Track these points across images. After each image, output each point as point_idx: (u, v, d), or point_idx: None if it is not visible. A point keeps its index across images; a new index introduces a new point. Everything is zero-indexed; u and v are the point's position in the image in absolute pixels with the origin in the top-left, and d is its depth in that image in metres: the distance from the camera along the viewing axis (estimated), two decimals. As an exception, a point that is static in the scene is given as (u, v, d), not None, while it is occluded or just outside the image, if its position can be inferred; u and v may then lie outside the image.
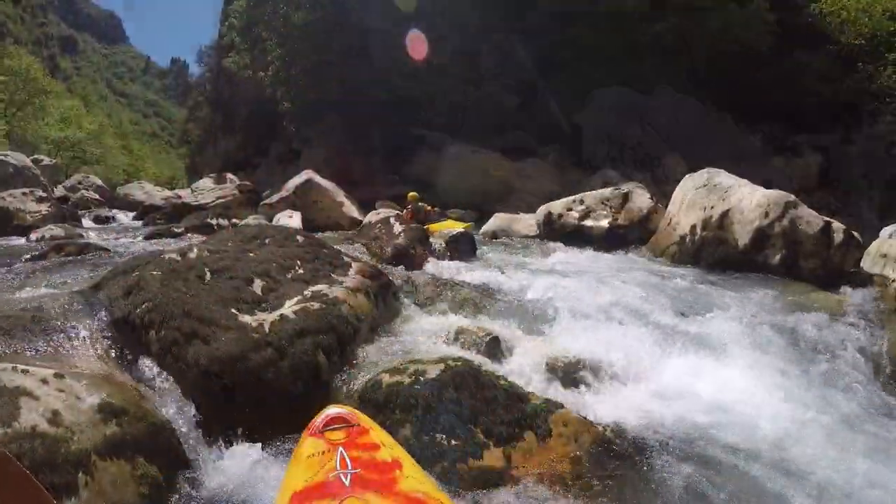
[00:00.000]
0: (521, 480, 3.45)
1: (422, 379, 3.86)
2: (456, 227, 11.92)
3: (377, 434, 2.91)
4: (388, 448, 2.82)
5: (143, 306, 4.23)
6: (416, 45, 18.92)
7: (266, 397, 3.86)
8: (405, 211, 13.44)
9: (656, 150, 19.62)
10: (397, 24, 19.37)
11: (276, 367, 3.93)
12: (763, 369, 5.33)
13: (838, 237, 9.23)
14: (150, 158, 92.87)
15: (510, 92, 19.83)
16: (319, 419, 2.95)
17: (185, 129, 54.15)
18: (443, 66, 19.35)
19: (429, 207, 14.07)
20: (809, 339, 6.18)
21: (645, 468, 3.73)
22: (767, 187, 9.87)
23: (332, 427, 2.89)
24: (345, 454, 2.67)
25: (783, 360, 5.62)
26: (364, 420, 3.00)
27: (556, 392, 4.51)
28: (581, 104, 19.41)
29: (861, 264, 9.30)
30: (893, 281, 7.21)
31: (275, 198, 14.43)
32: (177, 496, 3.25)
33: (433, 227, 12.09)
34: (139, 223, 17.50)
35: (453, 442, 3.56)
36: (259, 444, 3.68)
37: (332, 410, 3.01)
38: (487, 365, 4.48)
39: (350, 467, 2.59)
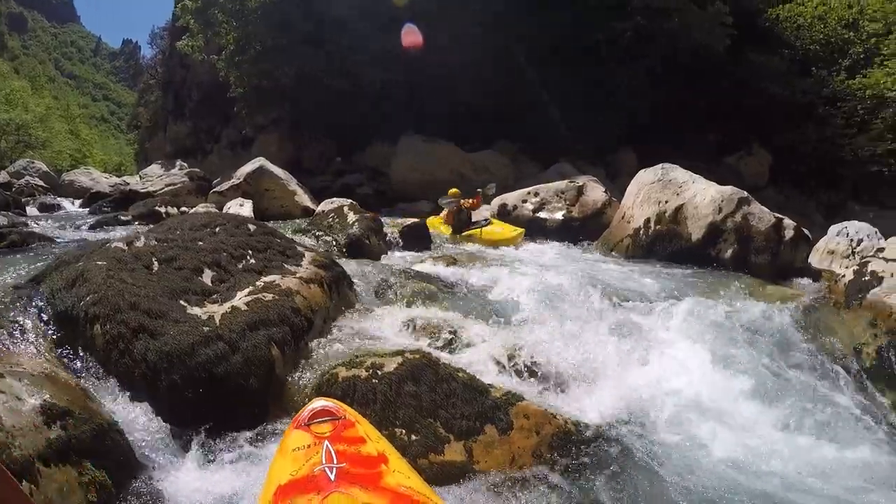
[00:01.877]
0: (482, 474, 3.43)
1: (379, 373, 3.79)
2: (507, 235, 10.92)
3: (363, 427, 2.90)
4: (374, 442, 2.81)
5: (88, 299, 4.05)
6: (410, 36, 18.65)
7: (219, 394, 3.72)
8: (445, 212, 12.19)
9: (611, 146, 19.83)
10: (364, 14, 19.13)
11: (228, 361, 3.79)
12: (715, 360, 5.42)
13: (789, 233, 9.45)
14: (98, 144, 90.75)
15: (467, 83, 19.73)
16: (305, 412, 2.93)
17: (135, 114, 52.98)
18: (400, 56, 19.16)
19: (471, 202, 11.95)
20: (759, 330, 6.30)
21: (607, 459, 3.76)
22: (720, 184, 10.06)
23: (318, 420, 2.87)
24: (330, 448, 2.64)
25: (735, 351, 5.70)
26: (350, 413, 2.99)
27: (516, 384, 4.49)
28: (537, 98, 19.43)
29: (809, 260, 9.56)
30: (841, 277, 7.36)
31: (226, 185, 14.15)
32: (125, 500, 3.10)
33: (485, 233, 11.01)
34: (85, 211, 17.06)
35: (413, 437, 3.51)
36: (213, 444, 3.55)
37: (319, 403, 2.99)
38: (445, 357, 4.43)
39: (335, 461, 2.56)
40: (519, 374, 4.69)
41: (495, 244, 10.35)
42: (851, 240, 9.68)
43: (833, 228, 10.48)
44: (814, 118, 19.90)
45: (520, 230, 11.04)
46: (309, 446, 2.70)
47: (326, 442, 2.69)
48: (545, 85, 19.34)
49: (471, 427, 3.60)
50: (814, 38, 19.88)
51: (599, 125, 19.73)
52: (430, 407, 3.65)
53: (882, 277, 6.79)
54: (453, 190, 12.08)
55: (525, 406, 3.86)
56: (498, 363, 4.72)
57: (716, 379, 5.13)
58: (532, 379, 4.66)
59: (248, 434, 3.63)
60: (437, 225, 11.92)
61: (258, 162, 14.61)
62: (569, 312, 6.07)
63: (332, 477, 2.47)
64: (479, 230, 11.12)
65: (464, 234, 11.16)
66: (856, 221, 10.84)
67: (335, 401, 3.11)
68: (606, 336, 5.65)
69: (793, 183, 20.70)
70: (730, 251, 9.27)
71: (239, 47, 20.67)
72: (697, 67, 19.76)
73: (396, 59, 19.23)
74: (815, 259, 9.78)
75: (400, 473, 2.60)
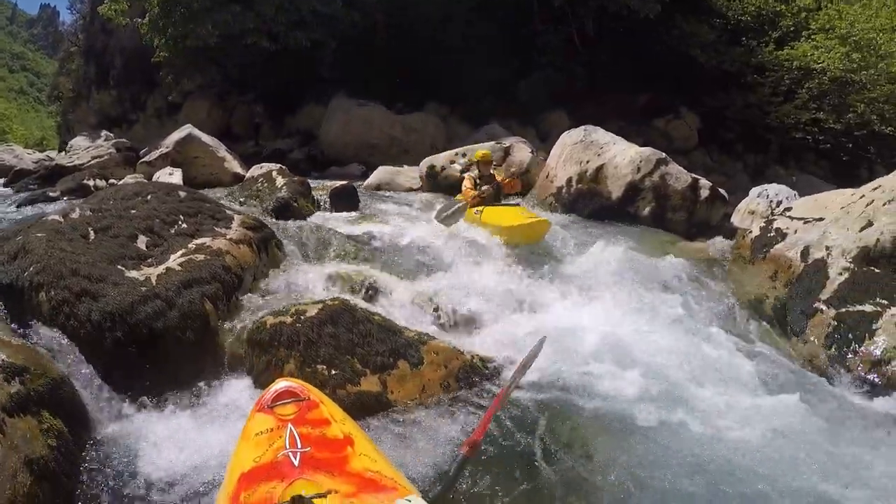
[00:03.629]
0: (396, 403, 3.93)
1: (302, 318, 4.24)
2: (515, 222, 8.01)
3: (328, 408, 2.81)
4: (340, 423, 2.72)
5: (31, 269, 4.31)
6: None
7: (159, 347, 4.05)
8: (467, 177, 9.63)
9: (542, 107, 20.25)
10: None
11: (166, 317, 4.11)
12: (624, 306, 5.97)
13: (704, 193, 10.14)
14: (17, 118, 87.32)
15: (400, 44, 19.79)
16: (268, 394, 2.84)
17: (55, 84, 51.03)
18: (332, 15, 19.00)
19: (507, 180, 9.63)
20: (670, 280, 6.90)
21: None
22: (649, 147, 10.67)
23: (281, 402, 2.78)
24: (294, 431, 2.57)
25: (643, 297, 6.27)
26: (314, 393, 2.90)
27: (429, 327, 5.02)
28: (466, 59, 19.61)
29: (732, 220, 10.27)
30: (750, 233, 7.96)
31: (154, 155, 14.02)
32: (83, 448, 3.42)
33: (494, 215, 8.41)
34: (9, 191, 16.72)
35: (333, 371, 3.97)
36: (157, 394, 3.88)
37: (282, 384, 2.89)
38: (363, 304, 4.91)
39: (300, 445, 2.49)
40: (433, 317, 5.25)
41: (508, 234, 7.81)
42: (771, 201, 10.35)
43: (754, 190, 11.22)
44: (742, 86, 20.58)
45: (538, 218, 8.16)
46: (272, 430, 2.62)
47: (290, 425, 2.62)
48: (475, 45, 19.53)
49: (385, 362, 4.11)
50: (746, 10, 20.48)
51: (530, 86, 20.11)
52: (348, 346, 4.13)
53: (786, 234, 7.38)
54: (483, 152, 9.92)
55: (435, 344, 4.38)
56: (413, 308, 5.29)
57: (625, 324, 5.59)
58: (445, 322, 5.20)
59: (188, 382, 3.99)
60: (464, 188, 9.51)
61: (186, 129, 14.53)
62: (483, 262, 6.57)
63: (297, 462, 2.39)
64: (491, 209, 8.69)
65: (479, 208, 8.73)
66: (776, 184, 11.63)
67: (299, 381, 3.03)
68: (518, 282, 6.24)
69: (720, 146, 21.49)
70: (648, 209, 9.91)
71: (164, 10, 20.21)
72: (629, 32, 20.15)
73: (327, 19, 19.13)
74: (737, 218, 10.47)
75: (366, 457, 2.52)
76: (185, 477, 3.21)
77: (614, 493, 3.28)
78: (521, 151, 12.74)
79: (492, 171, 9.58)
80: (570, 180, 10.69)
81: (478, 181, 9.36)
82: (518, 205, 9.31)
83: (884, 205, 6.44)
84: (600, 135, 11.14)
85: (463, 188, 9.44)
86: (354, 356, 4.09)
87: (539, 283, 6.38)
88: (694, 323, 5.92)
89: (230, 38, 19.09)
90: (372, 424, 3.72)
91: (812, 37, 19.50)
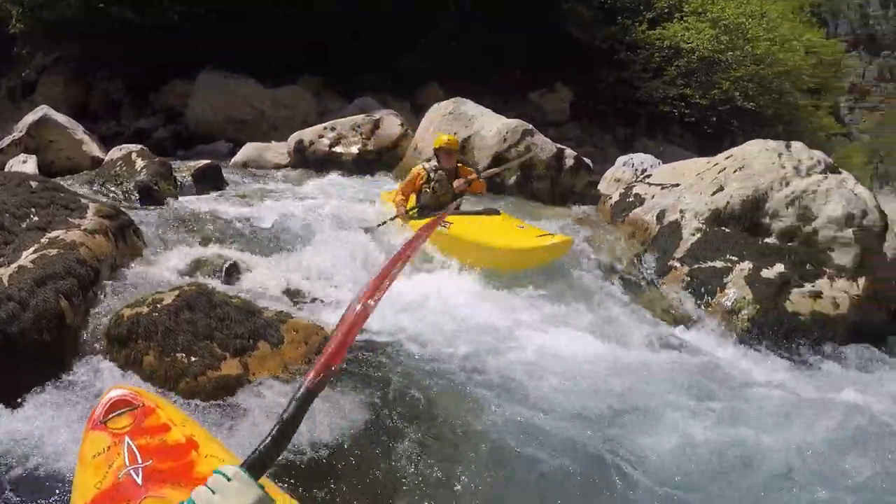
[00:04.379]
0: (258, 383, 3.89)
1: (159, 306, 4.10)
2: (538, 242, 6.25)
3: (166, 412, 2.57)
4: (180, 426, 2.50)
5: None
6: None
7: (15, 352, 3.82)
8: (415, 172, 7.58)
9: (418, 81, 20.20)
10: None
11: (20, 319, 3.88)
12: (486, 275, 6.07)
13: (569, 162, 10.57)
14: None
15: (274, 16, 19.17)
16: (99, 407, 2.55)
17: None
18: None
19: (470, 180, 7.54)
20: None
21: (372, 362, 4.34)
22: (521, 120, 10.93)
23: (114, 413, 2.51)
24: (132, 445, 2.35)
25: None
26: (149, 398, 2.66)
27: (290, 306, 4.99)
28: (341, 31, 19.27)
29: (599, 187, 10.72)
30: (610, 198, 8.38)
31: (6, 141, 13.05)
32: None
33: (477, 231, 6.67)
34: None
35: (193, 358, 3.87)
36: (16, 398, 3.67)
37: (113, 393, 2.61)
38: (223, 288, 4.87)
39: (140, 460, 2.27)
40: (295, 295, 5.24)
41: (511, 259, 6.27)
42: (636, 169, 10.82)
43: (620, 159, 11.76)
44: (614, 62, 21.34)
45: (560, 237, 6.34)
46: (109, 448, 2.38)
47: (127, 438, 2.39)
48: (349, 17, 19.23)
49: (245, 344, 4.06)
50: (624, -10, 21.43)
51: (407, 59, 20.02)
52: (206, 331, 4.03)
53: (644, 199, 7.90)
54: (446, 137, 7.75)
55: (295, 322, 4.38)
56: (275, 287, 5.27)
57: (489, 288, 5.83)
58: (308, 301, 5.20)
59: (46, 386, 3.78)
60: (391, 200, 7.85)
61: (41, 111, 13.58)
62: (346, 237, 6.59)
63: (140, 480, 2.18)
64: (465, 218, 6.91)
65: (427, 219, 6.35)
66: (642, 153, 12.20)
67: (131, 387, 2.77)
68: (380, 254, 6.28)
69: (592, 119, 22.23)
70: (514, 178, 10.19)
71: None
72: (506, 11, 20.44)
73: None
74: (604, 186, 10.95)
75: (213, 457, 2.34)
76: (40, 483, 3.09)
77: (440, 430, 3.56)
78: (391, 124, 12.66)
79: (458, 165, 7.63)
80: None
81: (431, 178, 7.34)
82: (497, 211, 7.26)
83: (734, 171, 6.94)
84: (469, 107, 11.31)
85: (398, 189, 7.62)
86: (213, 341, 4.01)
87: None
88: (553, 280, 6.18)
89: (91, 7, 18.02)
90: (233, 408, 3.69)
91: (684, 18, 20.76)
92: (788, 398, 4.43)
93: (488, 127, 10.67)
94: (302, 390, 1.54)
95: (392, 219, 7.28)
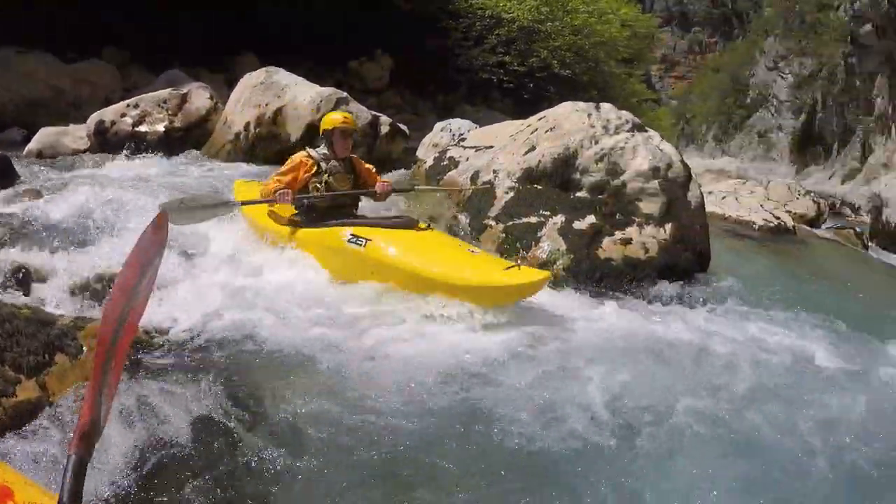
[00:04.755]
0: (59, 404, 3.37)
1: (-71, 333, 3.49)
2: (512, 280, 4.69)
3: None
4: None
5: None
6: None
7: None
8: (296, 160, 5.78)
9: (232, 51, 19.26)
10: None
11: None
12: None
13: (385, 129, 10.44)
14: None
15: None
16: None
17: None
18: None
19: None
20: None
21: (189, 354, 4.04)
22: (339, 87, 10.60)
23: None
24: None
25: None
26: None
27: (93, 309, 4.46)
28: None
29: (418, 153, 10.65)
30: (425, 162, 8.32)
31: None
32: None
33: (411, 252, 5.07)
34: None
35: (-19, 389, 3.32)
36: None
37: None
38: (10, 298, 4.23)
39: None
40: (98, 295, 4.66)
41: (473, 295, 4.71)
42: (454, 134, 10.76)
43: (438, 125, 11.72)
44: (436, 30, 21.46)
45: (536, 276, 4.75)
46: None
47: None
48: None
49: (40, 361, 3.51)
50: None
51: (219, 29, 18.98)
52: (-5, 351, 3.47)
53: (459, 162, 7.96)
54: (340, 115, 6.07)
55: (93, 327, 3.86)
56: (72, 292, 4.66)
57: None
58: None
59: None
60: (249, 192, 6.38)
61: None
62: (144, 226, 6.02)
63: None
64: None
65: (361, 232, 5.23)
66: (459, 119, 12.24)
67: None
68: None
69: (412, 86, 22.27)
70: (329, 147, 9.89)
71: None
72: None
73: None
74: (422, 152, 10.87)
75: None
76: None
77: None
78: (200, 98, 11.88)
79: (352, 155, 6.02)
80: (248, 125, 10.40)
81: (322, 170, 5.68)
82: (417, 222, 5.48)
83: (546, 132, 7.08)
84: (282, 76, 10.89)
85: (270, 179, 5.79)
86: (4, 362, 3.46)
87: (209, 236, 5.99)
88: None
89: None
90: (38, 437, 3.15)
91: (505, -12, 21.17)
92: (605, 333, 4.78)
93: (301, 96, 10.31)
94: (72, 461, 1.26)
95: (263, 202, 5.68)
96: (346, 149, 5.83)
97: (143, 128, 11.23)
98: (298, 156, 5.75)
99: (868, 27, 26.83)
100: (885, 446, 3.59)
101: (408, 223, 5.36)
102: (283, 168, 5.70)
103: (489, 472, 3.18)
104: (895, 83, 26.33)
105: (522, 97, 21.95)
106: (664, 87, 67.80)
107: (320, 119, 9.62)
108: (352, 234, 5.11)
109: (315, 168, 5.63)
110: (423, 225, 5.38)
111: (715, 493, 3.08)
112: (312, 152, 5.77)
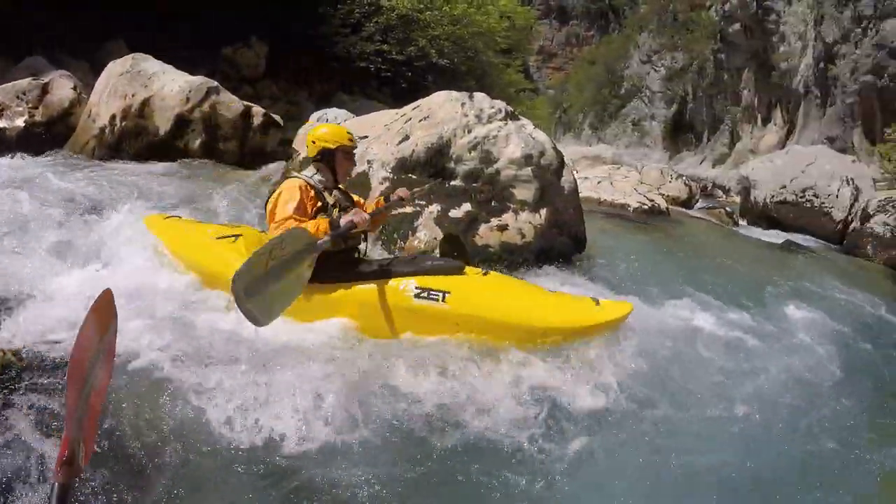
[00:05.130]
0: None
1: None
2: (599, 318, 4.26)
3: None
4: None
5: None
6: None
7: None
8: (294, 187, 4.42)
9: (99, 36, 18.10)
10: None
11: None
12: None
13: (258, 120, 10.12)
14: None
15: None
16: None
17: None
18: None
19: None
20: (220, 212, 6.57)
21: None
22: (212, 77, 10.15)
23: None
24: None
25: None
26: None
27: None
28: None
29: (294, 145, 10.33)
30: (298, 155, 8.14)
31: None
32: None
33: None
34: None
35: None
36: None
37: None
38: None
39: None
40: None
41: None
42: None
43: (314, 115, 11.58)
44: (313, 16, 20.94)
45: (622, 310, 4.29)
46: None
47: None
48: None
49: None
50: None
51: (83, 10, 17.75)
52: None
53: None
54: (346, 130, 4.81)
55: None
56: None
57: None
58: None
59: None
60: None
61: None
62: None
63: None
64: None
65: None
66: (336, 108, 12.04)
67: None
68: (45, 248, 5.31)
69: (288, 74, 21.70)
70: (198, 141, 9.53)
71: None
72: None
73: None
74: (299, 143, 10.48)
75: None
76: None
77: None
78: (63, 88, 11.13)
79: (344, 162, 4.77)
80: (114, 118, 9.77)
81: (326, 200, 4.50)
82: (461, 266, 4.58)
83: (420, 121, 7.06)
84: (150, 64, 10.33)
85: (276, 210, 4.34)
86: None
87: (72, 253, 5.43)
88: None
89: None
90: None
91: (386, -24, 21.01)
92: None
93: (170, 86, 9.83)
94: (55, 489, 1.42)
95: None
96: (349, 173, 4.94)
97: (1, 123, 10.33)
98: (294, 183, 4.44)
99: (737, 26, 28.64)
100: (772, 402, 4.02)
101: (459, 266, 4.55)
102: (286, 200, 4.32)
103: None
104: (760, 77, 28.18)
105: (400, 86, 21.89)
106: (542, 77, 69.41)
107: (190, 110, 9.40)
108: (418, 287, 4.26)
109: (319, 201, 4.46)
110: (478, 269, 4.64)
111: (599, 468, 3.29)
112: (309, 178, 4.53)
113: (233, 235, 4.94)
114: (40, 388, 3.41)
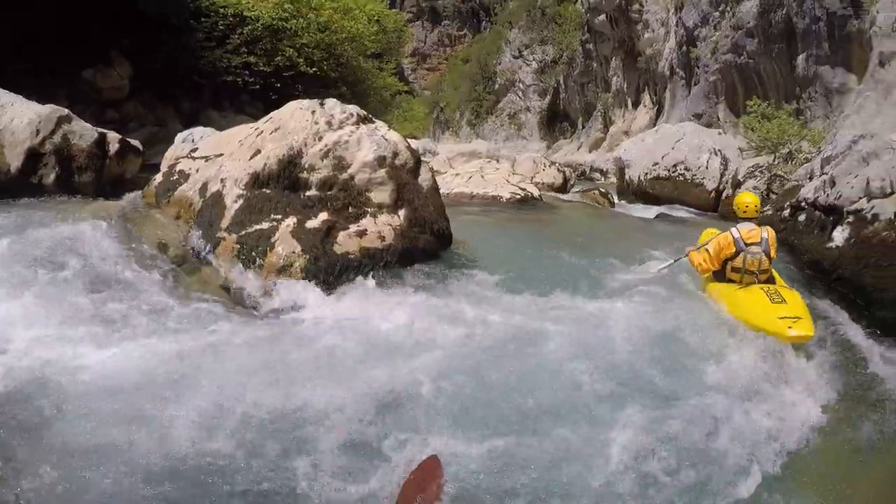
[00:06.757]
0: None
1: None
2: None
3: None
4: None
5: None
6: None
7: None
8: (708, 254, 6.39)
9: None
10: None
11: None
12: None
13: (114, 147, 9.71)
14: None
15: None
16: None
17: None
18: None
19: None
20: (66, 250, 6.04)
21: None
22: (74, 102, 9.64)
23: None
24: None
25: (35, 277, 5.50)
26: None
27: None
28: None
29: (162, 168, 9.92)
30: (155, 180, 7.89)
31: None
32: None
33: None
34: None
35: None
36: None
37: None
38: None
39: None
40: None
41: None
42: (196, 144, 10.20)
43: (179, 136, 11.16)
44: (177, 30, 20.22)
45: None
46: None
47: None
48: None
49: None
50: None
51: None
52: None
53: (189, 174, 7.50)
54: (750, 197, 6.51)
55: None
56: None
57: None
58: None
59: None
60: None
61: None
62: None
63: None
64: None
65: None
66: (202, 127, 11.65)
67: None
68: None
69: (154, 93, 20.93)
70: (52, 175, 9.11)
71: None
72: None
73: None
74: (166, 166, 10.13)
75: None
76: None
77: None
78: None
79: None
80: (-41, 158, 9.20)
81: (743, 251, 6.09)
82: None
83: (271, 133, 6.98)
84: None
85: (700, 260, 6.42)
86: None
87: None
88: (89, 281, 5.63)
89: None
90: None
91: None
92: (349, 323, 5.14)
93: (19, 118, 9.26)
94: None
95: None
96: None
97: None
98: (724, 237, 6.21)
99: (602, 17, 29.69)
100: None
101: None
102: (711, 244, 6.35)
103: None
104: (628, 64, 29.46)
105: (271, 99, 21.45)
106: (417, 79, 69.75)
107: (41, 143, 8.94)
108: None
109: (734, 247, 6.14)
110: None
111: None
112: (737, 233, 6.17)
113: None
114: None
